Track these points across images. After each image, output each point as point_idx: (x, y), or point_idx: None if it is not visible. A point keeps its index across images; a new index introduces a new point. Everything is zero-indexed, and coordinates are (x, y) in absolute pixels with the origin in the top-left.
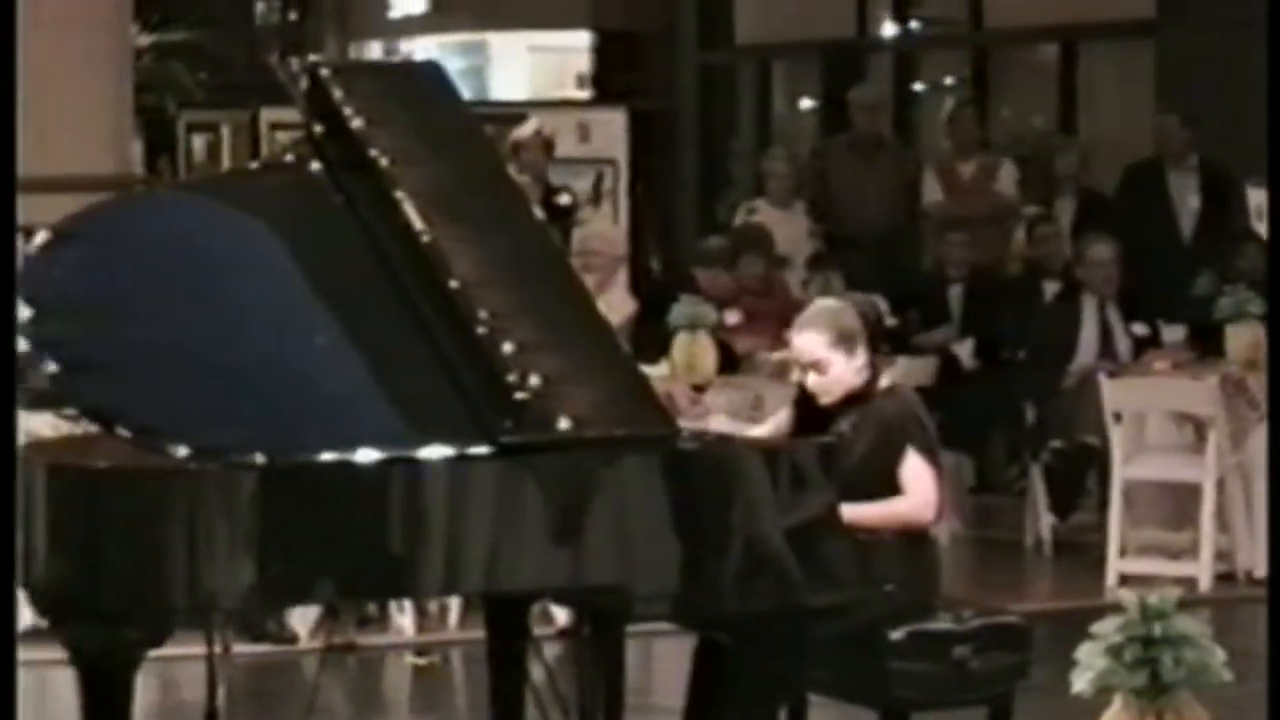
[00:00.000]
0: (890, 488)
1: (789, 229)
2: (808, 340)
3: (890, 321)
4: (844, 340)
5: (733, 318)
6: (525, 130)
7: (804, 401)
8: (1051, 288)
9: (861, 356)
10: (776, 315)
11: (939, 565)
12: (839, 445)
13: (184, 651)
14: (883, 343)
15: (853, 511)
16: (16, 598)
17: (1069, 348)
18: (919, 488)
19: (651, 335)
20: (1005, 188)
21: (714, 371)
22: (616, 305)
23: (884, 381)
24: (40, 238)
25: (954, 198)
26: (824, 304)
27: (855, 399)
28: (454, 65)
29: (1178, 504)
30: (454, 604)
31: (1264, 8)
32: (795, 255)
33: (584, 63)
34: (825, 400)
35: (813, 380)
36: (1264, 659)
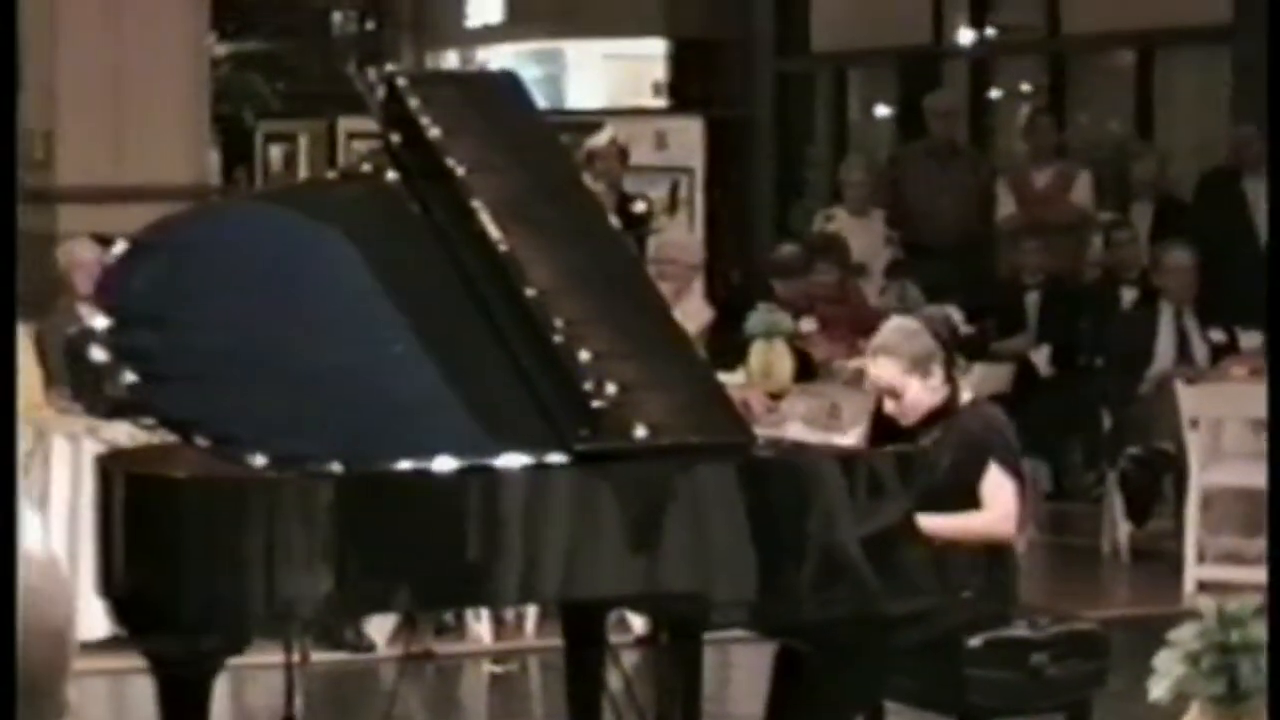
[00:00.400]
0: (972, 501)
1: (866, 237)
2: (882, 368)
3: (965, 329)
4: (918, 365)
5: (808, 325)
6: (600, 139)
7: (883, 416)
8: (1129, 294)
9: (937, 376)
10: (852, 322)
11: (1017, 573)
12: (921, 459)
13: (262, 660)
14: (959, 354)
15: (932, 524)
16: (16, 598)
17: (1146, 354)
18: (999, 501)
19: (728, 343)
20: (1080, 196)
21: (790, 379)
22: (692, 313)
23: (966, 396)
24: (118, 248)
25: (1027, 208)
26: (897, 327)
27: (937, 416)
28: (530, 73)
29: (1255, 510)
30: (531, 612)
31: None
32: (872, 263)
33: (660, 70)
34: (905, 423)
35: (890, 405)
36: None
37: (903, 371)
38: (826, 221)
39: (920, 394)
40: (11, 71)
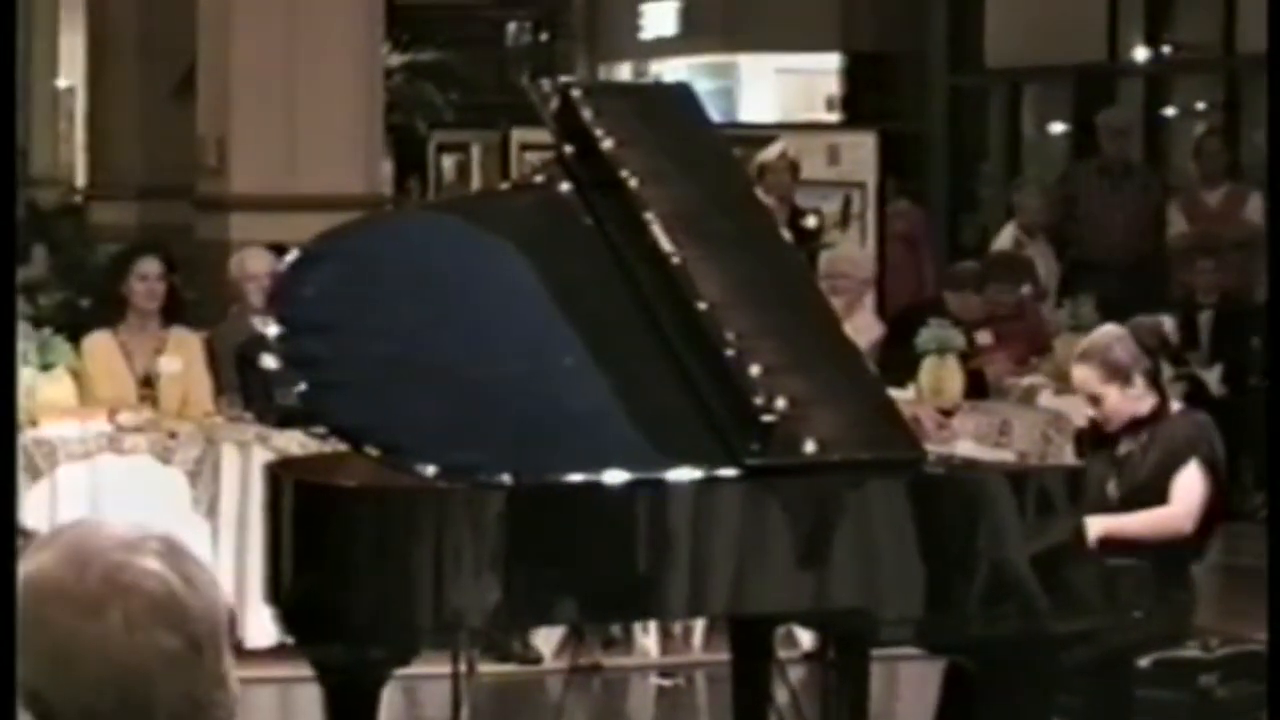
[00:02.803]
0: (1165, 501)
1: (1038, 258)
2: (1081, 375)
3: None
4: (1116, 374)
5: (985, 338)
6: (771, 152)
7: (1093, 422)
8: None
9: (1139, 385)
10: (1027, 338)
11: (1194, 594)
12: (1128, 463)
13: (429, 670)
14: (1170, 365)
15: (1114, 522)
16: (16, 598)
17: None
18: (1185, 498)
19: (899, 358)
20: (1254, 215)
21: (961, 396)
22: (863, 328)
23: (1176, 405)
24: (291, 256)
25: (1198, 227)
26: (1100, 336)
27: (1143, 424)
28: (703, 86)
29: None
30: (698, 625)
31: None
32: (1046, 282)
33: (832, 85)
34: (1108, 429)
35: (1092, 412)
36: None
37: (1101, 380)
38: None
39: (1120, 402)
40: (11, 74)
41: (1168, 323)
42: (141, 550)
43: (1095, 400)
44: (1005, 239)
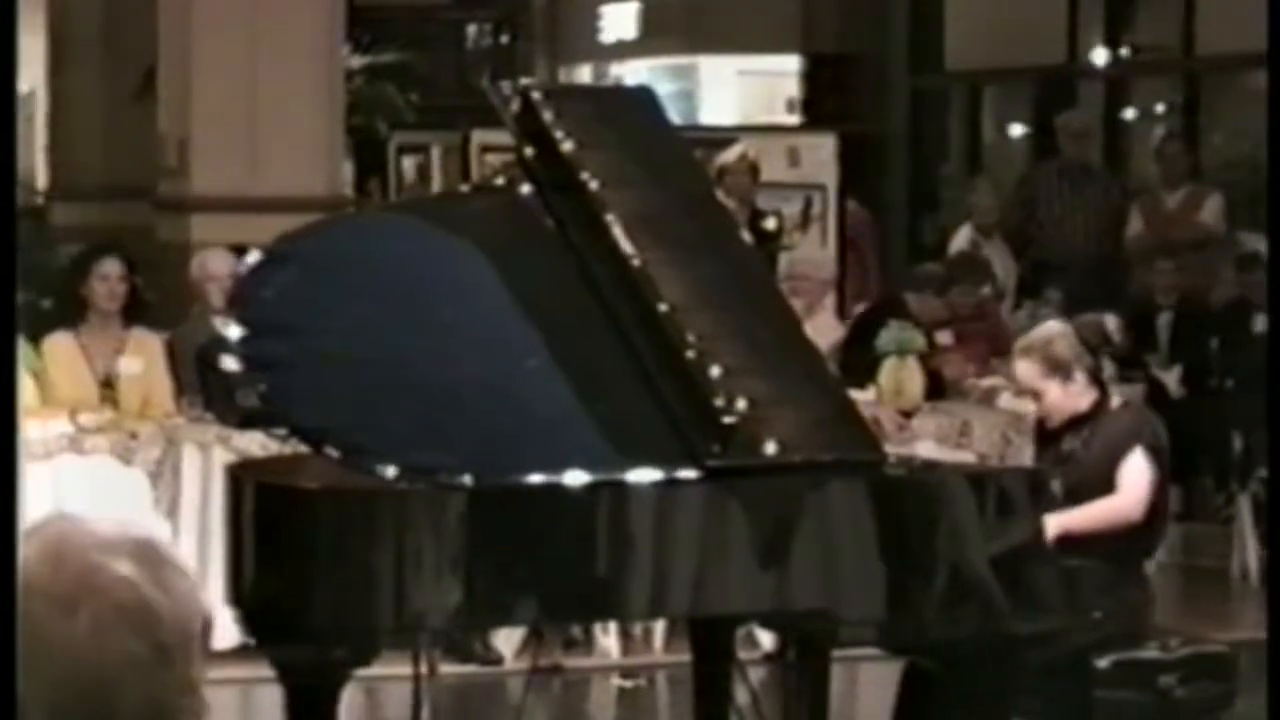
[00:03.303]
0: (1111, 493)
1: (995, 258)
2: (1023, 370)
3: (1120, 339)
4: (1057, 369)
5: (945, 338)
6: (731, 155)
7: (1042, 426)
8: (1261, 319)
9: (1080, 381)
10: (988, 339)
11: (1151, 594)
12: (1071, 460)
13: (390, 671)
14: (1112, 363)
15: (1065, 517)
16: (16, 598)
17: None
18: (1133, 485)
19: (859, 359)
20: (1209, 217)
21: (921, 397)
22: (824, 330)
23: (1116, 400)
24: (252, 257)
25: (1155, 229)
26: (1043, 331)
27: (1084, 420)
28: (663, 89)
29: None
30: (659, 626)
31: None
32: (1004, 282)
33: (793, 87)
34: (1050, 425)
35: (1034, 406)
36: None
37: (1042, 375)
38: (974, 247)
39: (1060, 398)
40: (11, 74)
41: (1111, 320)
42: (116, 553)
43: (1036, 395)
44: (961, 240)
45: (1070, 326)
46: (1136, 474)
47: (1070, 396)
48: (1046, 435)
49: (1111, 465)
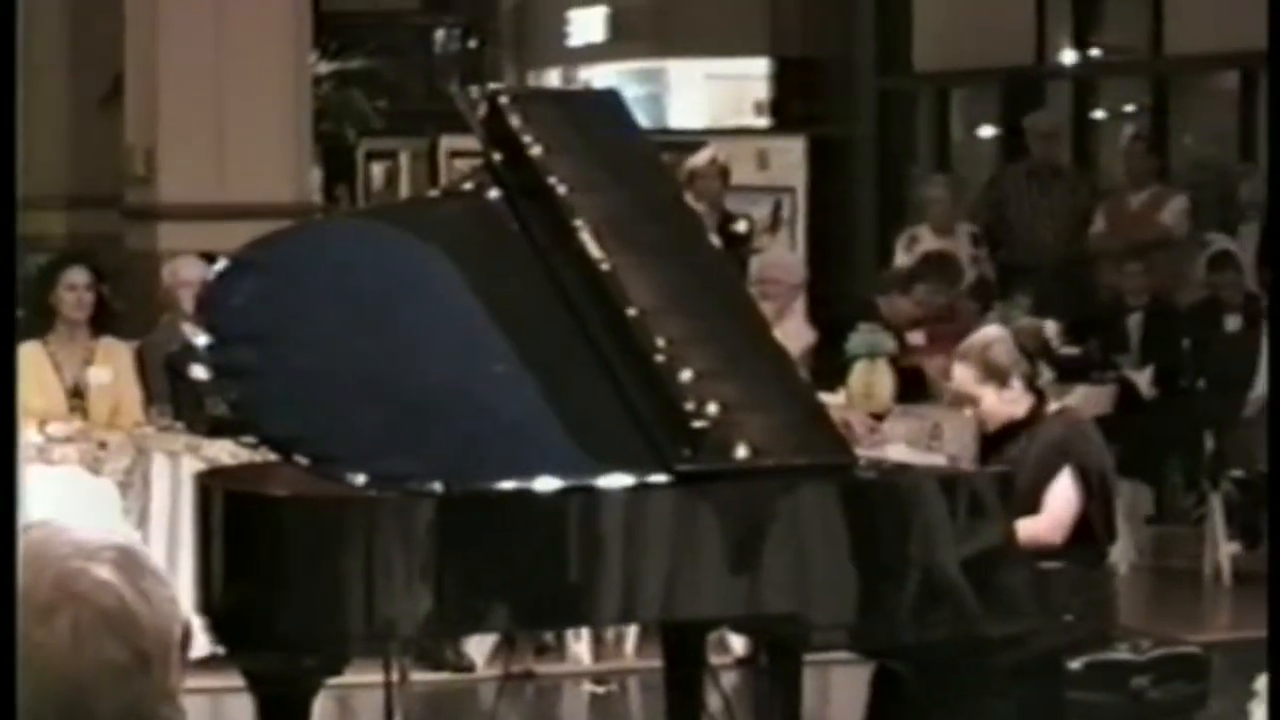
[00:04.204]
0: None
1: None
2: (959, 375)
3: (1067, 349)
4: (992, 375)
5: (917, 337)
6: (700, 158)
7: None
8: (1233, 319)
9: (1015, 388)
10: (958, 339)
11: (1115, 593)
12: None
13: (362, 679)
14: (1050, 369)
15: None
16: (16, 599)
17: (1249, 377)
18: (1053, 508)
19: (830, 363)
20: (1170, 218)
21: (892, 399)
22: (794, 333)
23: (1053, 405)
24: (220, 265)
25: (1117, 229)
26: (980, 337)
27: (1021, 425)
28: (631, 92)
29: None
30: (631, 632)
31: None
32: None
33: (762, 90)
34: (987, 430)
35: (968, 411)
36: None
37: (977, 380)
38: (912, 242)
39: (995, 404)
40: (11, 74)
41: (1050, 326)
42: (98, 559)
43: (972, 401)
44: (908, 239)
45: (1008, 332)
46: (1059, 500)
47: (1005, 403)
48: (989, 442)
49: (1042, 482)
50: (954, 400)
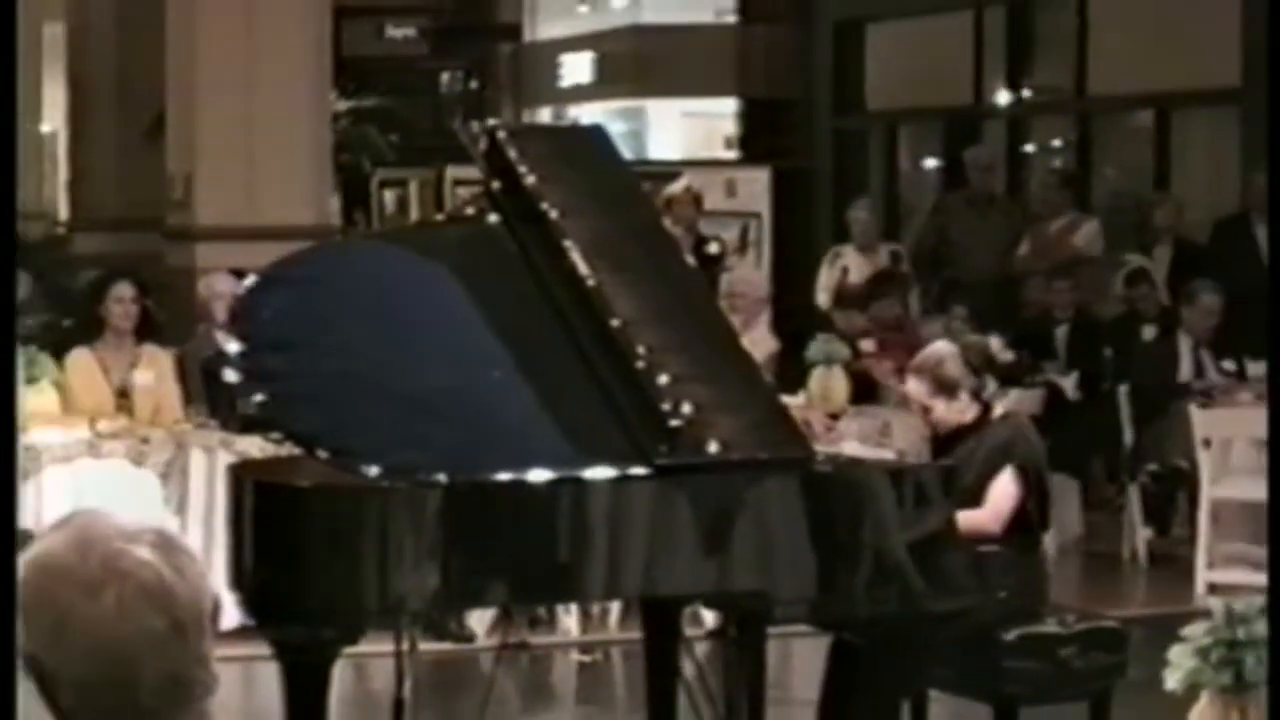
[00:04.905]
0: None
1: (873, 271)
2: (913, 387)
3: (1005, 356)
4: (943, 389)
5: (869, 345)
6: (677, 187)
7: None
8: (1149, 329)
9: (963, 399)
10: (905, 348)
11: (1046, 574)
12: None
13: (375, 649)
14: (994, 379)
15: None
16: (16, 597)
17: (1165, 381)
18: (995, 501)
19: (791, 368)
20: (1082, 241)
21: (846, 401)
22: (760, 342)
23: (998, 411)
24: (250, 280)
25: (1038, 250)
26: (931, 353)
27: (969, 429)
28: (615, 128)
29: (1260, 521)
30: (614, 607)
31: None
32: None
33: (731, 127)
34: (939, 434)
35: (921, 419)
36: None
37: (929, 393)
38: (835, 258)
39: (945, 414)
40: (12, 80)
41: (995, 343)
42: (138, 541)
43: (924, 410)
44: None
45: (957, 348)
46: (1000, 494)
47: (954, 412)
48: (940, 443)
49: (987, 477)
50: (902, 402)
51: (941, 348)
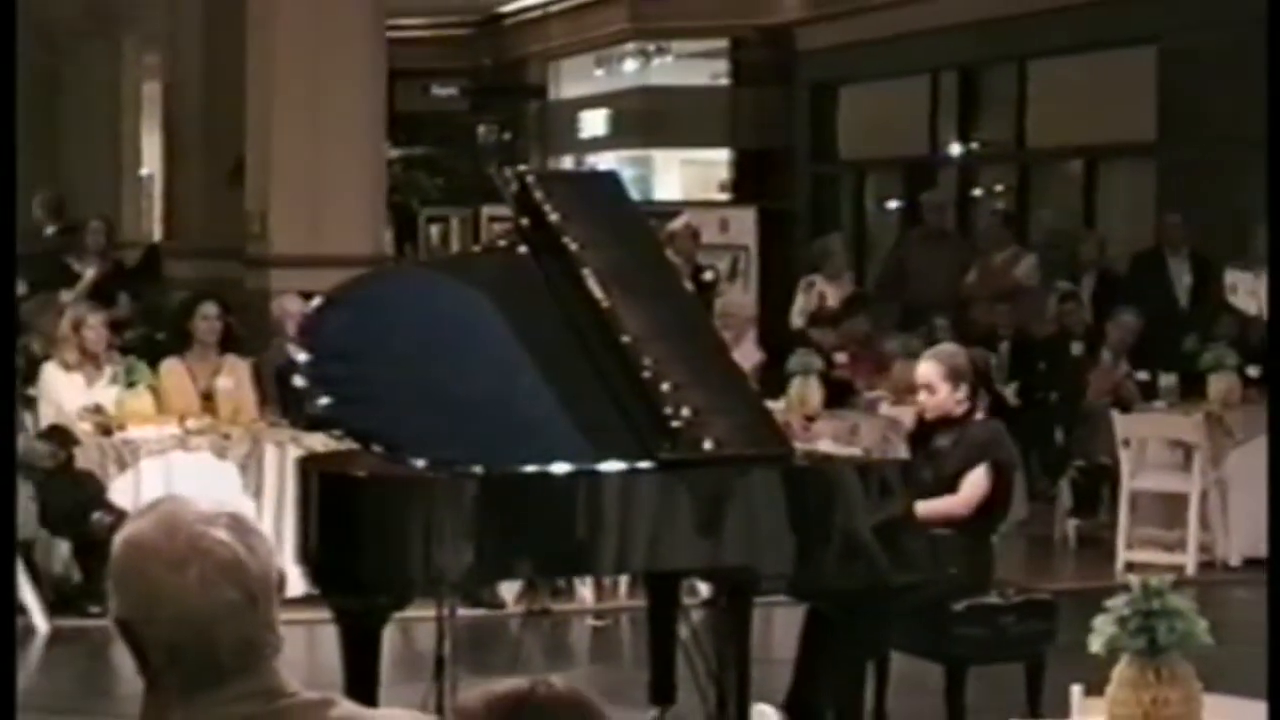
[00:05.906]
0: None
1: (843, 296)
2: (926, 367)
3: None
4: (954, 375)
5: (842, 358)
6: (677, 223)
7: (922, 420)
8: (1077, 346)
9: (964, 391)
10: (873, 361)
11: (993, 556)
12: (937, 456)
13: (420, 614)
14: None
15: (919, 507)
16: (16, 595)
17: (1087, 389)
18: (967, 494)
19: (773, 378)
20: (1024, 272)
21: (821, 406)
22: (747, 355)
23: (980, 414)
24: (316, 301)
25: (984, 280)
26: (950, 347)
27: (953, 422)
28: (626, 174)
29: (1171, 509)
30: (623, 579)
31: (1244, 129)
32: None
33: (724, 172)
34: (928, 416)
35: (922, 397)
36: (1238, 628)
37: (940, 376)
38: (809, 286)
39: (947, 399)
40: (11, 76)
41: (993, 358)
42: (216, 523)
43: (930, 389)
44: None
45: (967, 352)
46: (973, 486)
47: (952, 401)
48: (922, 433)
49: (964, 470)
50: (869, 407)
51: (954, 346)
